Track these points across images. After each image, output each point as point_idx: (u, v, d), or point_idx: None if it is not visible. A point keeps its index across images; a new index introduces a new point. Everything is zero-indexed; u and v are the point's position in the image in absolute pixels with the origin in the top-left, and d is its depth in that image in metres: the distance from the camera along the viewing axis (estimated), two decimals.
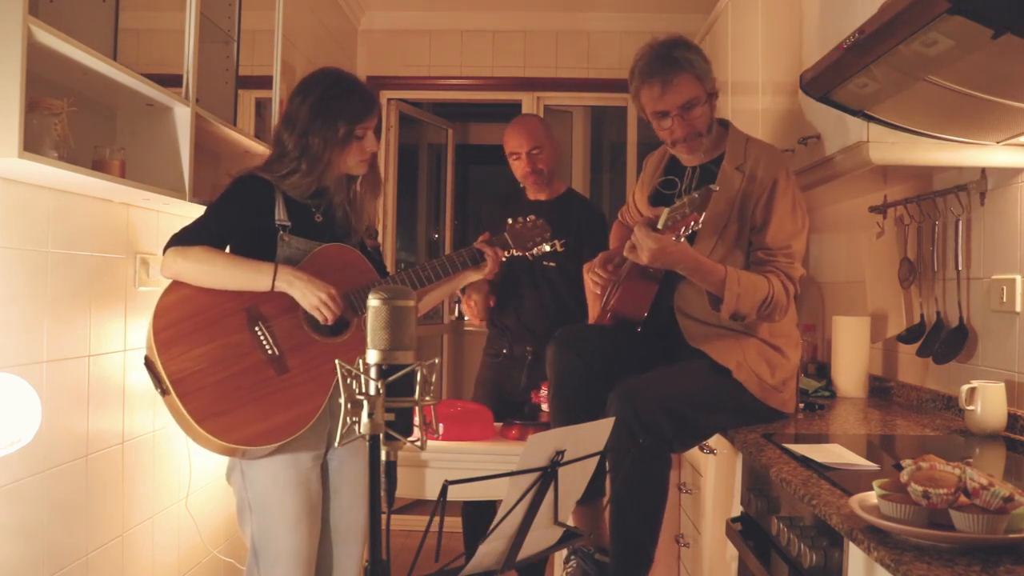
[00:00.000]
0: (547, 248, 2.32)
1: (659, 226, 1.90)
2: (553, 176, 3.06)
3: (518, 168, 3.02)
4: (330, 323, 1.97)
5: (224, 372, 1.91)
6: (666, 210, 1.92)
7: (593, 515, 2.13)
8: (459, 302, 3.35)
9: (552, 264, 2.97)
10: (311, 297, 1.93)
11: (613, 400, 1.90)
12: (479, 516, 3.08)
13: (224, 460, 2.06)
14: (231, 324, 1.94)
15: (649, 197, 2.25)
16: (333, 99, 2.03)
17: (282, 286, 1.94)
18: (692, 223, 1.85)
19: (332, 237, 2.07)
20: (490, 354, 3.14)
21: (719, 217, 2.01)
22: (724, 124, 2.16)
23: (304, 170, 2.01)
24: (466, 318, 3.15)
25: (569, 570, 2.08)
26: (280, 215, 2.01)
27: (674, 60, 2.01)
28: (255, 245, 1.99)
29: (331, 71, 2.10)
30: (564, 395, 2.09)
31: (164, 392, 1.90)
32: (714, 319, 1.99)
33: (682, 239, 1.88)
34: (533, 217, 2.33)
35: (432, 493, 2.47)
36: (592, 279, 2.21)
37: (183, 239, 1.95)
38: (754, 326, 2.02)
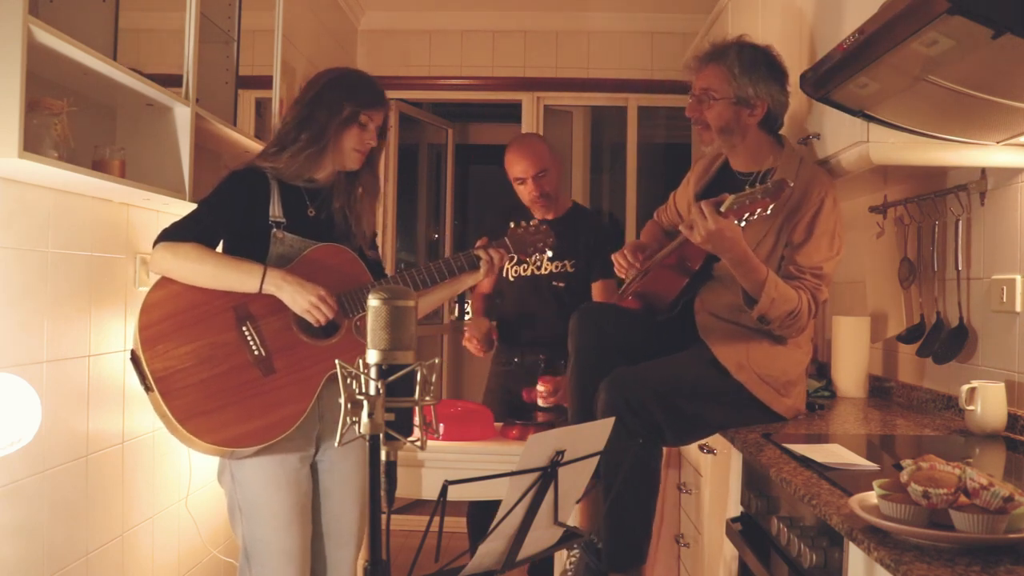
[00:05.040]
0: (549, 254, 2.27)
1: (722, 209, 1.87)
2: (559, 193, 3.03)
3: (524, 193, 2.96)
4: (322, 324, 1.95)
5: (209, 371, 1.90)
6: (731, 196, 1.88)
7: (592, 503, 2.14)
8: (459, 303, 3.33)
9: (561, 284, 2.96)
10: (301, 300, 1.91)
11: (604, 386, 1.90)
12: (485, 517, 3.08)
13: None
14: (218, 323, 1.93)
15: (697, 194, 2.22)
16: (346, 81, 2.06)
17: (270, 289, 1.91)
18: (759, 209, 1.84)
19: (329, 237, 2.05)
20: (500, 363, 3.12)
21: (757, 230, 2.00)
22: (780, 141, 2.15)
23: (304, 141, 1.99)
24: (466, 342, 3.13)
25: (572, 559, 2.08)
26: (275, 211, 1.99)
27: (718, 51, 2.09)
28: (248, 242, 1.97)
29: (348, 68, 2.16)
30: (582, 368, 2.09)
31: (148, 389, 1.89)
32: (729, 317, 2.00)
33: (743, 224, 1.86)
34: (536, 222, 2.28)
35: (431, 493, 2.47)
36: (619, 261, 2.20)
37: (173, 234, 1.92)
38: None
